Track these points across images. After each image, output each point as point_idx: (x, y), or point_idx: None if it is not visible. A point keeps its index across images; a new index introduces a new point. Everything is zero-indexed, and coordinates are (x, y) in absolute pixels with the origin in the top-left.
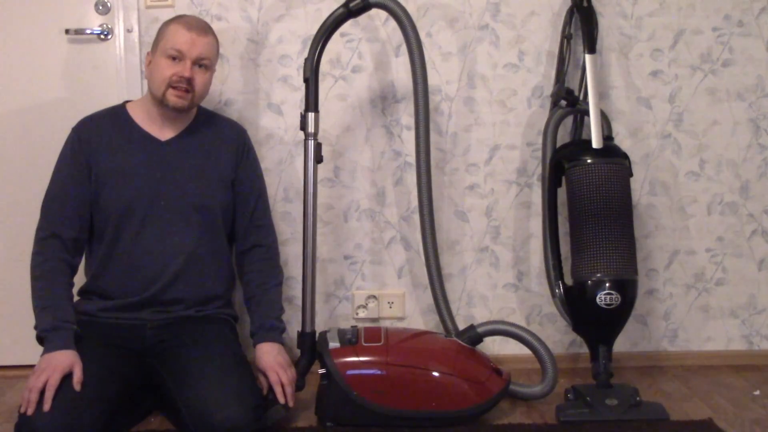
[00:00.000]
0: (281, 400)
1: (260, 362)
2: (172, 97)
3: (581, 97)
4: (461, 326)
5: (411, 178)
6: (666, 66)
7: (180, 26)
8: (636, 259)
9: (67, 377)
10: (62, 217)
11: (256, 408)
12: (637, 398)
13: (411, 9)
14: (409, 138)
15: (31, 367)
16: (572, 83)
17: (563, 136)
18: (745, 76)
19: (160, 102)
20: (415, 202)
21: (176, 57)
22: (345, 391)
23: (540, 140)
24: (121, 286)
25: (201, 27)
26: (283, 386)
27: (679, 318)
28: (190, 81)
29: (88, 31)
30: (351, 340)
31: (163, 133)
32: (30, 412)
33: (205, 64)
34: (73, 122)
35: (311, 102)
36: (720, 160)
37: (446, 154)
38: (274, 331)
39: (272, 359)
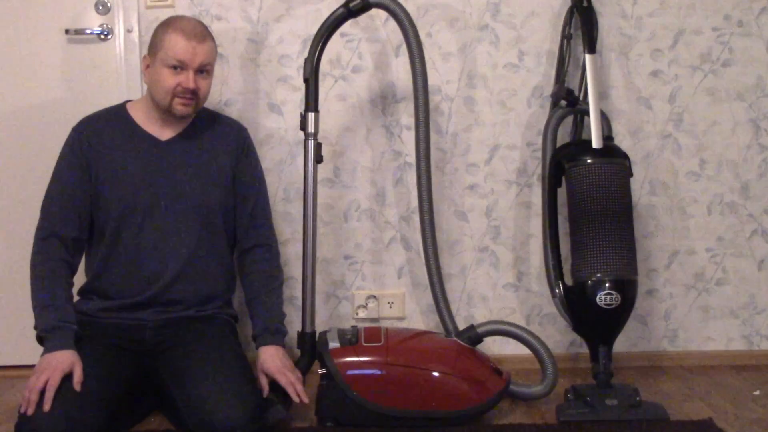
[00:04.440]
0: (296, 399)
1: (265, 366)
2: (178, 106)
3: (581, 97)
4: (461, 326)
5: (411, 178)
6: (666, 66)
7: (178, 36)
8: (636, 259)
9: (67, 377)
10: (62, 217)
11: (256, 408)
12: (637, 398)
13: (411, 9)
14: (409, 138)
15: (31, 367)
16: (572, 83)
17: (563, 136)
18: (745, 76)
19: (166, 110)
20: (415, 202)
21: (178, 67)
22: (345, 391)
23: (540, 140)
24: (122, 287)
25: (199, 34)
26: (294, 385)
27: (679, 318)
28: (194, 91)
29: (88, 31)
30: (351, 340)
31: (164, 133)
32: (30, 412)
33: (207, 69)
34: (73, 122)
35: (311, 102)
36: (720, 160)
37: (446, 154)
38: (278, 335)
39: (279, 363)
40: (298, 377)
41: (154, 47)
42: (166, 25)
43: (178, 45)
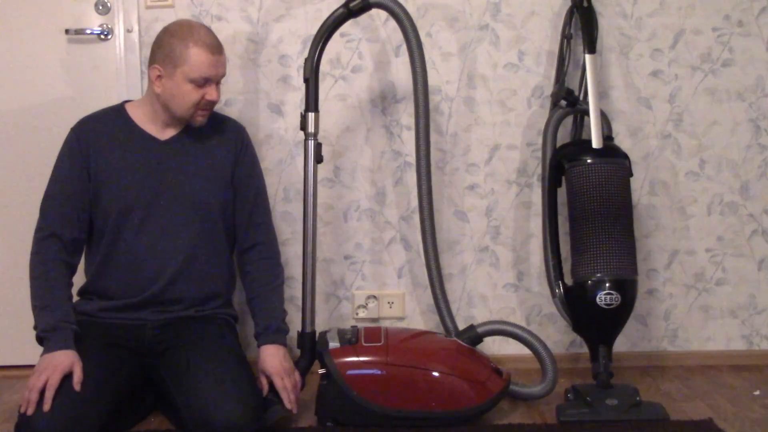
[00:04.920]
0: (288, 405)
1: (265, 365)
2: (199, 117)
3: (581, 97)
4: (461, 326)
5: (411, 178)
6: (666, 66)
7: (202, 50)
8: (636, 259)
9: (67, 377)
10: (61, 217)
11: (256, 408)
12: (637, 398)
13: (411, 9)
14: (409, 138)
15: (31, 367)
16: (572, 83)
17: (563, 136)
18: (745, 76)
19: (184, 120)
20: (415, 202)
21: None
22: (345, 391)
23: (540, 140)
24: (121, 286)
25: (218, 45)
26: (288, 391)
27: (679, 318)
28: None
29: (88, 31)
30: (351, 340)
31: (163, 132)
32: (30, 412)
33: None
34: (73, 122)
35: (311, 102)
36: (720, 160)
37: (446, 154)
38: (279, 333)
39: (278, 364)
40: (295, 382)
41: (172, 60)
42: (183, 38)
43: (204, 61)
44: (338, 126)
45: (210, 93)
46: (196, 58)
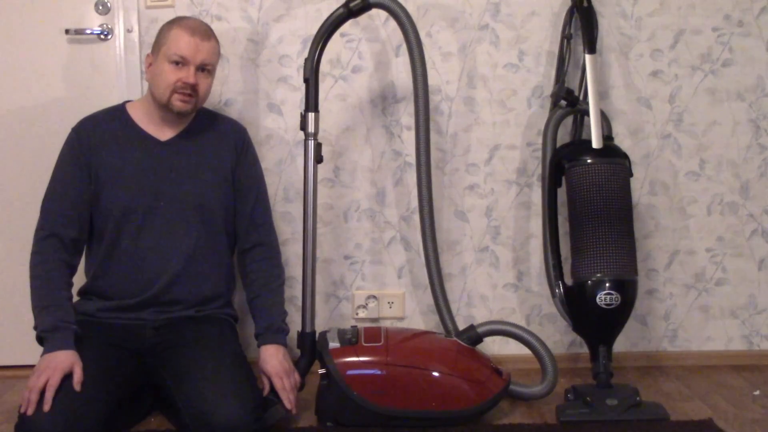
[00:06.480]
0: (288, 406)
1: (265, 365)
2: (177, 102)
3: (581, 97)
4: (461, 326)
5: (411, 178)
6: (666, 66)
7: (183, 31)
8: (636, 259)
9: (67, 377)
10: (62, 217)
11: (256, 408)
12: (637, 398)
13: (411, 9)
14: (409, 138)
15: (31, 367)
16: (572, 83)
17: (563, 136)
18: (745, 76)
19: (164, 106)
20: (415, 202)
21: (179, 62)
22: (345, 391)
23: (540, 140)
24: (121, 287)
25: (204, 31)
26: (287, 392)
27: (679, 318)
28: (194, 86)
29: (88, 31)
30: (351, 340)
31: (163, 133)
32: (30, 412)
33: (208, 69)
34: (73, 122)
35: (311, 102)
36: (720, 160)
37: (446, 154)
38: (280, 333)
39: (278, 364)
40: (293, 383)
41: (158, 44)
42: (172, 22)
43: (181, 40)
44: (338, 126)
45: (188, 76)
46: (174, 37)
